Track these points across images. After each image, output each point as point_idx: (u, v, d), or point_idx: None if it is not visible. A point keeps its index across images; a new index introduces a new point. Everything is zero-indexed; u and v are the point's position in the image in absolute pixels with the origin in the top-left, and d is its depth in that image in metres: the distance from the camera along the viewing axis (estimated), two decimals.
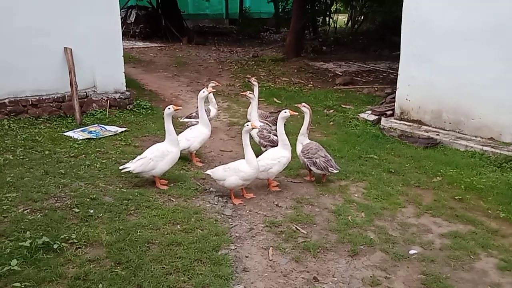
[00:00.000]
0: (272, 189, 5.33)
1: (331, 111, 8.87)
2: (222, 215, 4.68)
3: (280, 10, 23.15)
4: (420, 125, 7.51)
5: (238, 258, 3.94)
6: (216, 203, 4.95)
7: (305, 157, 5.49)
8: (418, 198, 5.26)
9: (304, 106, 5.59)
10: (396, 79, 7.94)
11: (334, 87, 11.02)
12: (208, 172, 5.06)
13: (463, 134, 7.04)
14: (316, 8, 19.55)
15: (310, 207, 4.98)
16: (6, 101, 7.17)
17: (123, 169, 4.99)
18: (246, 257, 3.98)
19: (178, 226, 4.33)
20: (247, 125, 4.98)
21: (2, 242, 3.73)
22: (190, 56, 15.28)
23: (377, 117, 8.05)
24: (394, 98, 8.16)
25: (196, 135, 5.98)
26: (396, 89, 7.95)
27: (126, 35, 18.12)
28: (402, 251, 4.18)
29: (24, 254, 3.58)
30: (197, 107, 6.34)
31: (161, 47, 17.03)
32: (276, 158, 5.24)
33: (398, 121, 7.72)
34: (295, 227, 4.51)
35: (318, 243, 4.23)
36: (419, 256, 4.13)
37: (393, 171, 5.98)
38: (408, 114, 7.71)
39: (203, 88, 7.26)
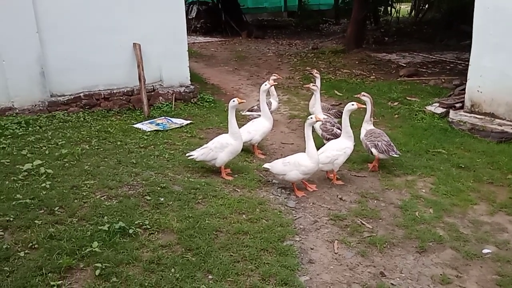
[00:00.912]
0: (336, 183, 5.29)
1: (396, 103, 8.60)
2: (285, 207, 4.72)
3: (340, 1, 22.69)
4: (493, 118, 7.08)
5: (303, 249, 3.97)
6: (279, 194, 5.00)
7: (367, 140, 5.59)
8: (492, 195, 4.99)
9: (364, 95, 5.69)
10: (465, 70, 7.54)
11: (398, 79, 10.65)
12: (267, 166, 5.10)
13: None
14: None
15: (375, 201, 4.89)
16: (82, 94, 7.65)
17: (189, 155, 5.33)
18: (311, 249, 4.00)
19: (244, 216, 4.43)
20: (311, 117, 4.96)
21: (83, 226, 4.02)
22: (249, 50, 15.43)
23: (445, 109, 7.70)
24: (463, 90, 7.75)
25: (257, 128, 6.06)
26: (465, 81, 7.54)
27: (188, 30, 18.59)
28: (474, 250, 4.01)
29: (103, 237, 3.83)
30: (259, 100, 6.41)
31: (221, 42, 17.34)
32: (342, 149, 5.22)
33: (468, 114, 7.33)
34: (360, 221, 4.46)
35: (384, 238, 4.16)
36: (493, 255, 3.94)
37: (463, 166, 5.71)
38: (480, 106, 7.30)
39: (263, 81, 7.35)
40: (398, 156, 5.48)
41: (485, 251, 4.01)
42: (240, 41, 17.51)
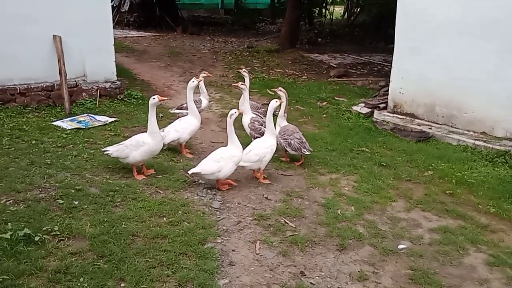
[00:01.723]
0: (262, 182, 5.27)
1: (324, 103, 8.79)
2: (210, 208, 4.61)
3: (276, 0, 22.93)
4: (413, 119, 7.45)
5: (225, 251, 3.88)
6: (204, 195, 4.88)
7: (281, 138, 5.70)
8: (409, 192, 5.22)
9: (280, 90, 5.93)
10: (390, 72, 7.86)
11: (328, 79, 10.93)
12: (195, 170, 4.84)
13: (455, 128, 6.99)
14: None
15: (299, 200, 4.93)
16: None
17: (104, 151, 5.15)
18: (233, 250, 3.92)
19: (165, 219, 4.26)
20: (234, 112, 4.95)
21: None
22: (184, 46, 15.10)
23: (370, 110, 7.98)
24: (387, 91, 8.08)
25: (185, 126, 5.89)
26: (389, 82, 7.88)
27: (120, 24, 17.90)
28: (391, 246, 4.14)
29: (4, 246, 3.50)
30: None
31: (155, 37, 16.82)
32: (268, 146, 5.23)
33: (391, 114, 7.66)
34: (284, 221, 4.45)
35: (306, 237, 4.18)
36: (408, 251, 4.09)
37: (384, 164, 5.93)
38: (401, 107, 7.65)
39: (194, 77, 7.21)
40: (309, 153, 5.64)
41: (400, 246, 4.16)
42: (175, 37, 17.10)
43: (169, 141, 5.74)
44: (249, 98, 6.93)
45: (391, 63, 7.84)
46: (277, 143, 5.46)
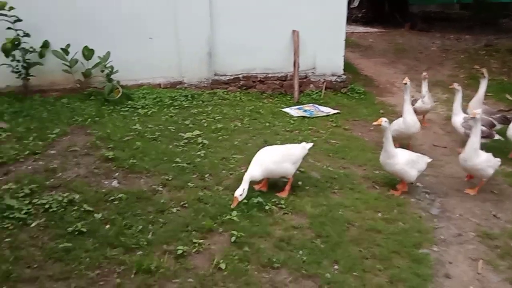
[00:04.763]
0: (470, 193, 4.80)
1: None
2: (427, 213, 4.41)
3: None
4: None
5: (441, 261, 3.67)
6: (422, 199, 4.68)
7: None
8: None
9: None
10: None
11: None
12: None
13: None
14: None
15: None
16: (241, 76, 8.22)
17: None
18: (450, 263, 3.67)
19: (379, 214, 4.28)
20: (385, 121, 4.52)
21: (227, 195, 4.38)
22: (410, 43, 14.49)
23: None
24: None
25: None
26: None
27: (348, 19, 18.28)
28: None
29: (242, 208, 4.12)
30: (413, 97, 6.07)
31: (381, 33, 16.66)
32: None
33: None
34: None
35: None
36: None
37: None
38: None
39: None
40: None
41: None
42: (402, 33, 16.54)
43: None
44: (483, 103, 6.36)
45: None
46: None
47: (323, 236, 3.83)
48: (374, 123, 4.55)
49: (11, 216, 3.79)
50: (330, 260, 3.55)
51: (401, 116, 5.82)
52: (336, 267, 3.49)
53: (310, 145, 4.77)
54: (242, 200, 4.02)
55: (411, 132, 5.79)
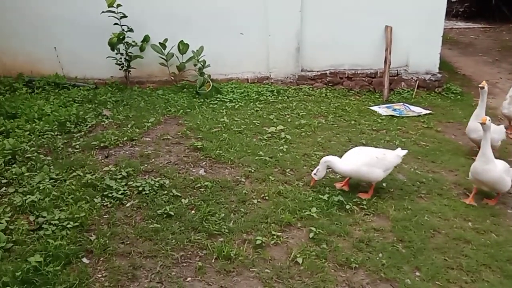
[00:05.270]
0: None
1: None
2: None
3: None
4: None
5: None
6: None
7: None
8: None
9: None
10: None
11: None
12: None
13: None
14: None
15: None
16: (328, 72, 8.12)
17: None
18: None
19: (470, 224, 4.00)
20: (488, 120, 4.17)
21: (307, 191, 4.39)
22: None
23: None
24: None
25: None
26: None
27: (447, 14, 17.06)
28: None
29: (322, 205, 4.11)
30: None
31: (484, 29, 15.36)
32: None
33: None
34: None
35: None
36: None
37: None
38: None
39: None
40: None
41: None
42: (510, 29, 15.09)
43: None
44: None
45: None
46: None
47: (405, 241, 3.69)
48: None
49: (109, 195, 4.18)
50: (411, 266, 3.41)
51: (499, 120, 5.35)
52: (417, 273, 3.34)
53: (405, 152, 4.54)
54: (318, 180, 4.36)
55: (472, 138, 5.39)
